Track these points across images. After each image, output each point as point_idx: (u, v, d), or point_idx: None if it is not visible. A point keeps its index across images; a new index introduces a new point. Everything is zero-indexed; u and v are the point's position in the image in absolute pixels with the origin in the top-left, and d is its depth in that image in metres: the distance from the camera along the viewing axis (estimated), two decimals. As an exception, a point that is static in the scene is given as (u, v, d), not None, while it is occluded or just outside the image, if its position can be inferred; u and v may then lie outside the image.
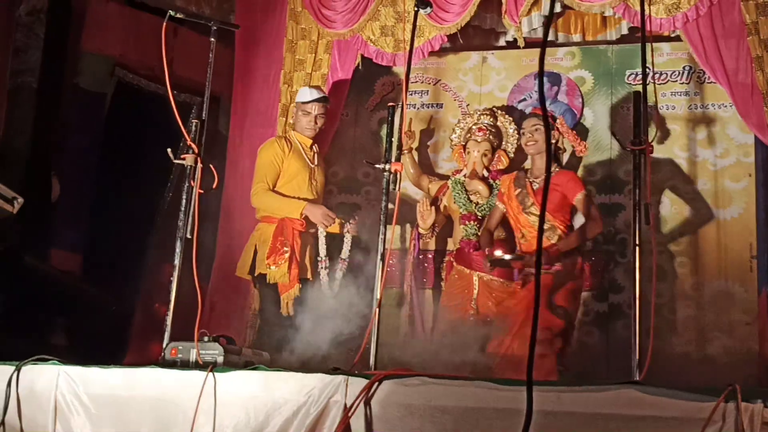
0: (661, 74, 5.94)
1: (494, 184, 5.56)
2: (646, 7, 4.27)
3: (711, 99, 5.84)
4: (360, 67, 6.09)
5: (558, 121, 5.47)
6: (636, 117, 4.00)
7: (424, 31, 5.81)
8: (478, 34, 6.37)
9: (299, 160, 5.50)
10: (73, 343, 5.34)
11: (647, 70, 4.09)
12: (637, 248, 3.84)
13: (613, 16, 5.86)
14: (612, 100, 6.00)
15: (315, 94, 5.51)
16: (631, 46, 5.99)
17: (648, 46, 4.11)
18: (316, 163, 5.57)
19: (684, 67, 5.97)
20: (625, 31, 6.06)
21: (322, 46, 6.09)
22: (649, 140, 3.96)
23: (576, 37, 6.25)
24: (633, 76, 5.97)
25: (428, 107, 6.41)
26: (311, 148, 5.58)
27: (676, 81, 5.97)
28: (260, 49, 6.15)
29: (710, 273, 5.63)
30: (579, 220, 5.31)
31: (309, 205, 5.38)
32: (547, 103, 5.99)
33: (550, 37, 6.24)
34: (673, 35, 5.80)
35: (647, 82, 4.04)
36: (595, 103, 6.04)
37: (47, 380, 3.82)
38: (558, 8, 5.82)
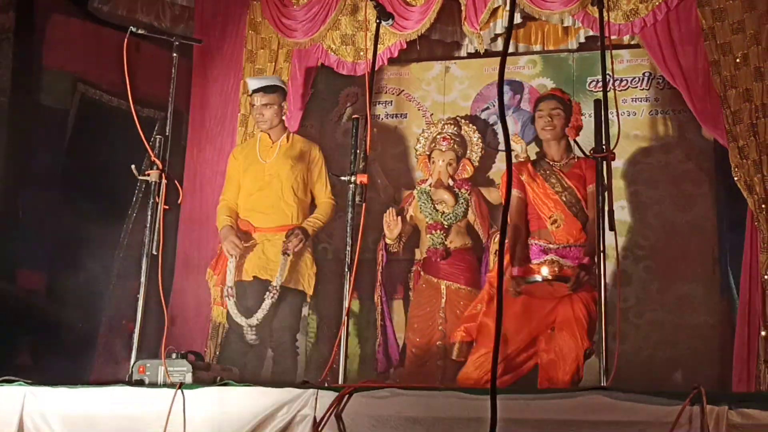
0: (621, 81, 6.01)
1: (459, 193, 5.59)
2: (605, 13, 4.30)
3: (671, 104, 5.91)
4: (320, 74, 6.09)
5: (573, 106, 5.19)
6: (597, 124, 4.03)
7: (384, 39, 5.80)
8: (441, 46, 6.41)
9: (249, 159, 5.45)
10: (39, 363, 5.28)
11: (607, 77, 4.12)
12: (602, 254, 3.87)
13: (573, 25, 5.91)
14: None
15: (255, 84, 5.42)
16: (591, 54, 6.04)
17: (608, 53, 4.15)
18: (273, 157, 5.40)
19: (644, 73, 6.04)
20: (585, 40, 6.12)
21: (282, 55, 6.08)
22: (611, 147, 3.99)
23: (536, 48, 6.31)
24: (594, 83, 6.04)
25: (392, 117, 6.43)
26: (273, 141, 5.45)
27: (637, 87, 6.04)
28: (218, 61, 6.12)
29: (674, 276, 5.70)
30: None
31: (225, 229, 5.33)
32: (510, 111, 6.04)
33: (511, 48, 6.29)
34: (632, 42, 5.88)
35: (608, 89, 4.06)
36: (558, 111, 6.07)
37: (13, 402, 3.78)
38: (518, 19, 5.88)
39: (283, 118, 5.51)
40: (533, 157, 5.70)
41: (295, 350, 5.34)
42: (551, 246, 4.87)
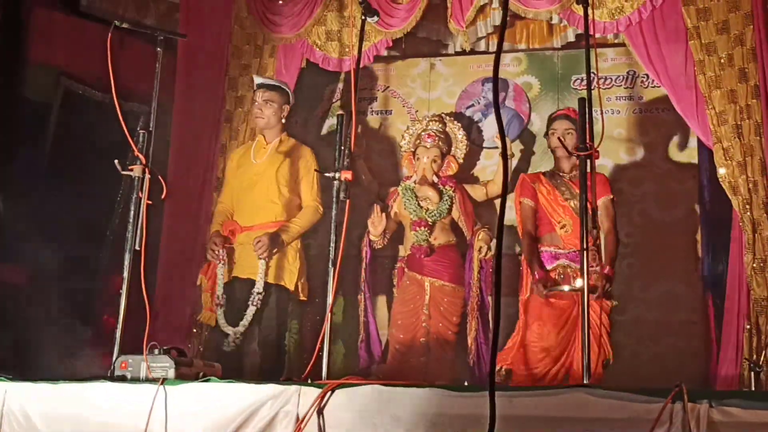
0: (605, 79, 6.03)
1: (444, 190, 5.59)
2: (590, 11, 4.31)
3: (655, 103, 5.94)
4: (305, 71, 6.08)
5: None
6: (581, 122, 4.03)
7: (370, 36, 5.80)
8: (426, 43, 6.41)
9: (242, 159, 5.48)
10: (21, 359, 5.25)
11: (592, 75, 4.12)
12: (585, 252, 3.87)
13: (559, 23, 5.93)
14: (558, 105, 6.06)
15: (259, 80, 5.48)
16: (576, 52, 6.07)
17: (592, 51, 4.15)
18: (264, 157, 5.39)
19: (628, 72, 6.07)
20: (570, 39, 6.12)
21: (267, 51, 6.08)
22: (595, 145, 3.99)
23: (522, 46, 6.32)
24: (578, 81, 6.05)
25: (377, 114, 6.43)
26: (268, 142, 5.44)
27: (621, 85, 6.07)
28: (203, 56, 6.07)
29: (657, 274, 5.72)
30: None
31: (212, 234, 5.35)
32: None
33: (495, 47, 6.29)
34: (617, 41, 5.89)
35: (592, 87, 4.07)
36: (542, 109, 6.09)
37: (-6, 397, 3.76)
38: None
39: (282, 120, 5.48)
40: (517, 154, 5.76)
41: (282, 346, 5.33)
42: (561, 251, 5.11)
